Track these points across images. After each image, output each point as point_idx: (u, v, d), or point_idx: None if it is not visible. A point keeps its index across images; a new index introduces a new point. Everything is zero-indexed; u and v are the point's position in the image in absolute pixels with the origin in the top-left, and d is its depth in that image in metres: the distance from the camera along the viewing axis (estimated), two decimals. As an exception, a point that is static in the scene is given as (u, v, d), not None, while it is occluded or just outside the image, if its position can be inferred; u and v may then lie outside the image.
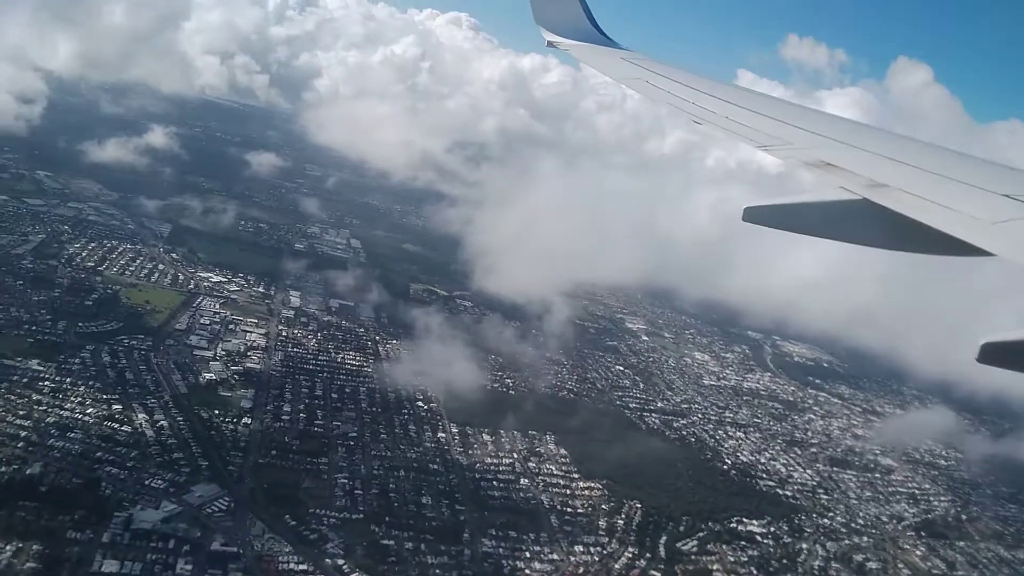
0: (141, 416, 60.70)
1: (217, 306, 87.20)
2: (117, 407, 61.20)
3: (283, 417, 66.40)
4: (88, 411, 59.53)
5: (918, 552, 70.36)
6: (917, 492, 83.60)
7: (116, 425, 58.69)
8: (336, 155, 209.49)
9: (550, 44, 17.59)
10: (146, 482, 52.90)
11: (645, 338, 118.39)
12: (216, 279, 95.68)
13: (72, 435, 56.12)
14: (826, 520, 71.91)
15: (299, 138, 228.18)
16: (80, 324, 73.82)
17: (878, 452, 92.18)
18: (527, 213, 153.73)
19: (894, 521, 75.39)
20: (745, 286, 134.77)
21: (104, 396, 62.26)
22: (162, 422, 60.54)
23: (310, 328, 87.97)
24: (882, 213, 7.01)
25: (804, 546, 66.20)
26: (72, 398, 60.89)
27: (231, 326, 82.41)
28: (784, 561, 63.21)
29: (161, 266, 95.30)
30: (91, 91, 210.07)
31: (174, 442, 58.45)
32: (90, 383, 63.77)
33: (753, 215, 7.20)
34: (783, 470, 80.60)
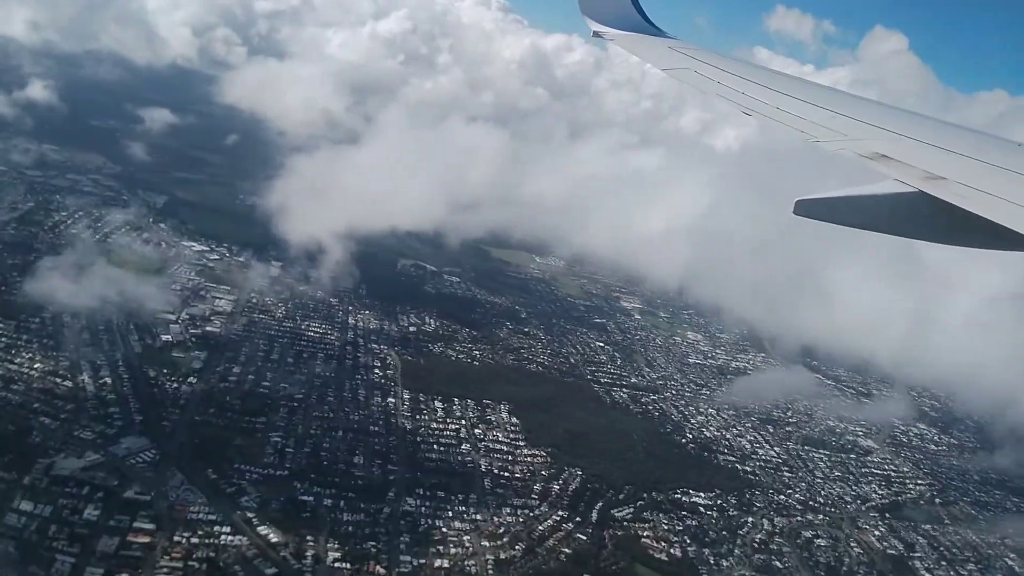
0: (87, 373, 62.13)
1: (192, 273, 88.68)
2: (65, 363, 62.76)
3: (230, 378, 67.25)
4: (36, 366, 61.13)
5: (876, 532, 68.40)
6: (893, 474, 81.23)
7: (59, 380, 60.18)
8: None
9: (596, 34, 17.34)
10: (75, 433, 54.15)
11: (637, 317, 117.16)
12: (199, 248, 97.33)
13: (15, 387, 57.83)
14: (782, 497, 70.31)
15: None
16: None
17: (859, 433, 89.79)
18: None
19: (858, 501, 73.41)
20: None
21: (55, 353, 63.83)
22: (106, 379, 61.85)
23: (282, 297, 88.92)
24: (938, 206, 6.87)
25: (750, 519, 64.84)
26: (24, 354, 62.60)
27: (201, 292, 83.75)
28: (723, 533, 61.98)
29: (146, 235, 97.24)
30: (67, 61, 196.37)
31: (113, 397, 59.66)
32: (44, 341, 65.44)
33: (805, 208, 7.07)
34: (748, 446, 78.97)
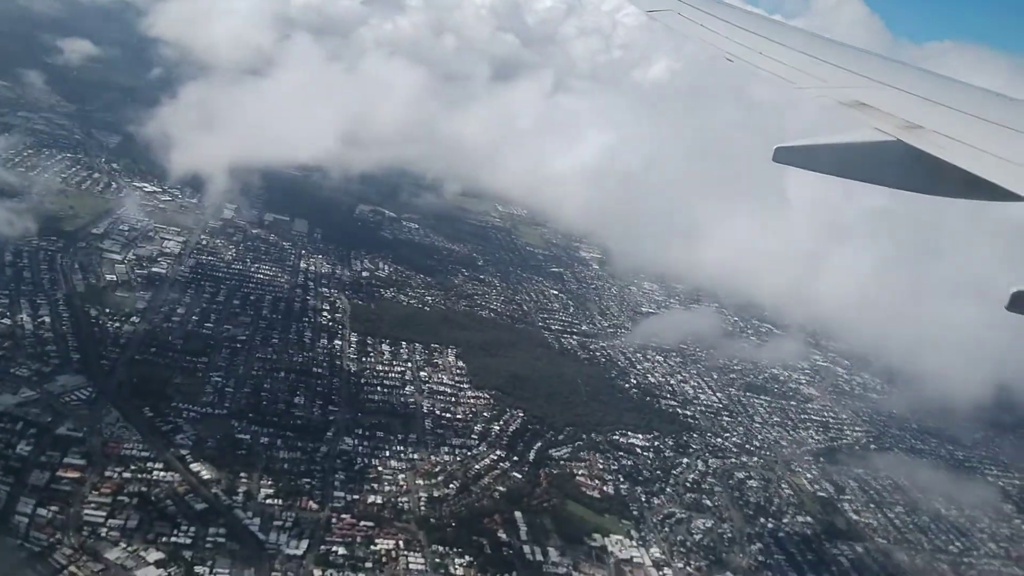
0: (26, 311, 61.71)
1: (142, 214, 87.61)
2: (4, 301, 62.22)
3: (174, 319, 67.15)
4: (-27, 304, 60.70)
5: (808, 475, 70.75)
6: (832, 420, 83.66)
7: (-1, 318, 59.88)
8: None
9: None
10: (11, 370, 54.08)
11: (595, 267, 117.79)
12: (150, 189, 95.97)
13: (-49, 325, 57.49)
14: (719, 440, 72.32)
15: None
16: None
17: (803, 382, 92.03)
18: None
19: (794, 446, 75.71)
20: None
21: (-6, 292, 63.31)
22: (45, 318, 61.45)
23: (234, 239, 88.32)
24: (916, 155, 6.91)
25: (684, 460, 66.75)
26: (-39, 292, 62.08)
27: (150, 233, 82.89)
28: (657, 472, 63.83)
29: (96, 175, 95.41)
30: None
31: (50, 336, 59.42)
32: (-15, 279, 64.87)
33: (784, 155, 7.14)
34: (691, 391, 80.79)
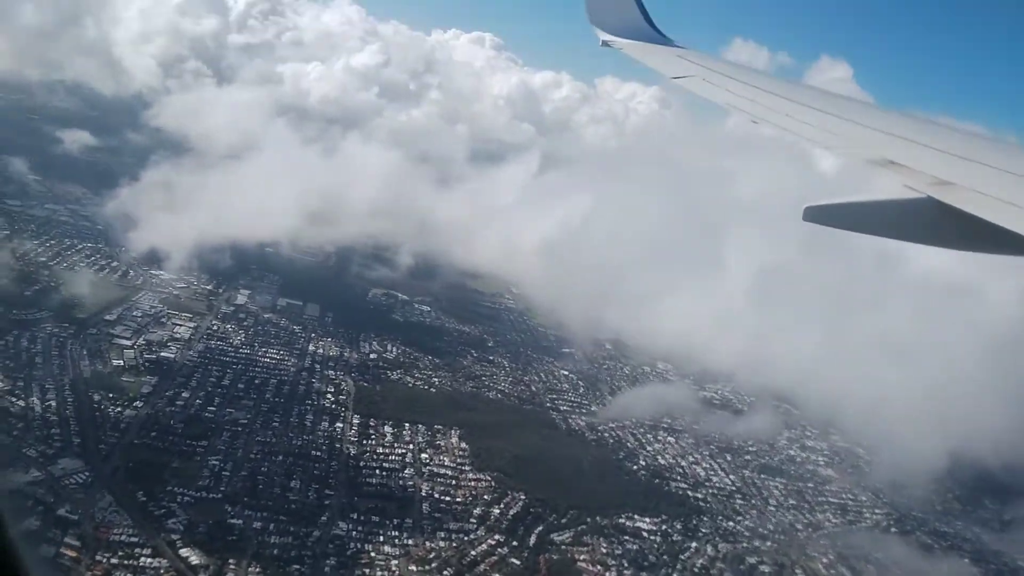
0: (36, 395, 62.86)
1: (156, 301, 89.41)
2: (21, 384, 63.60)
3: (177, 403, 67.53)
4: (-6, 387, 62.08)
5: (824, 560, 67.84)
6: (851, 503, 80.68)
7: (14, 400, 61.24)
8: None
9: (605, 44, 17.38)
10: (23, 450, 55.31)
11: (608, 347, 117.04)
12: (166, 276, 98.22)
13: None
14: (731, 523, 69.90)
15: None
16: (13, 312, 76.54)
17: (821, 463, 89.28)
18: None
19: (809, 529, 72.92)
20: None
21: (9, 376, 64.62)
22: (52, 402, 62.45)
23: (245, 324, 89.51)
24: (949, 212, 6.84)
25: (693, 545, 64.44)
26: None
27: (162, 319, 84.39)
28: (664, 557, 61.60)
29: (115, 263, 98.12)
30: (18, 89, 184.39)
31: (55, 419, 60.25)
32: (6, 363, 66.37)
33: (814, 215, 7.12)
34: (702, 473, 78.67)
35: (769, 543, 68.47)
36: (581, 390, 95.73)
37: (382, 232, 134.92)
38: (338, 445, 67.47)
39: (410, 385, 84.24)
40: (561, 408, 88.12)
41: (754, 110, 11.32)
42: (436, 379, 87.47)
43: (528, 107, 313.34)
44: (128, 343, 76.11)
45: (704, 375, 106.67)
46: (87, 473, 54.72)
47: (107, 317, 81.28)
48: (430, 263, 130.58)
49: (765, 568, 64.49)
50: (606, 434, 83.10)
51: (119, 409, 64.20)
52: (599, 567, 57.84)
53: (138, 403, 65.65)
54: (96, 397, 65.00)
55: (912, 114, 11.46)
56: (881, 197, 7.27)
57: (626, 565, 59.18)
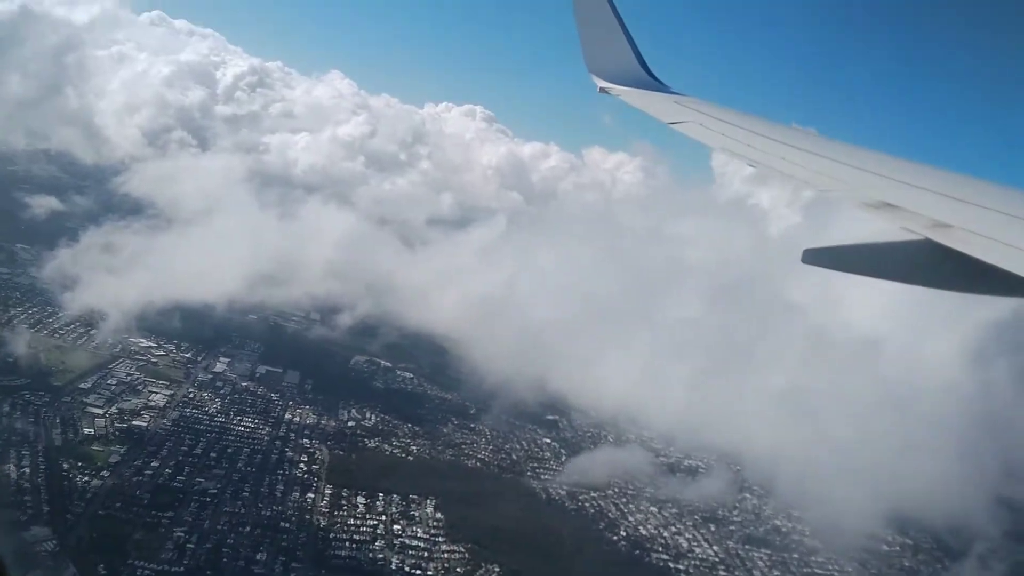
0: (12, 461, 62.67)
1: (133, 368, 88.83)
2: None
3: (146, 472, 66.43)
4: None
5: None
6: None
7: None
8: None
9: (602, 90, 17.53)
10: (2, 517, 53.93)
11: (593, 414, 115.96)
12: (146, 344, 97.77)
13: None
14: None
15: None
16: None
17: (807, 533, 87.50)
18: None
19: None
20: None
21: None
22: (26, 469, 62.13)
23: (221, 392, 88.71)
24: (947, 253, 6.88)
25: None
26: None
27: (138, 387, 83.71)
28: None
29: (94, 331, 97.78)
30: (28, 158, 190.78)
31: (28, 486, 59.77)
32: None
33: (813, 257, 7.23)
34: (685, 544, 77.01)
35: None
36: (563, 458, 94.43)
37: (362, 300, 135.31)
38: (308, 516, 66.10)
39: (387, 453, 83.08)
40: (542, 476, 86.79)
41: (749, 154, 11.44)
42: (414, 447, 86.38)
43: (516, 176, 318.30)
44: (100, 411, 75.33)
45: (652, 436, 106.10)
46: (54, 542, 53.78)
47: (82, 385, 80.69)
48: (409, 330, 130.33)
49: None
50: (587, 503, 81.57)
51: (86, 478, 63.16)
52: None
53: (105, 472, 64.59)
54: (65, 466, 64.05)
55: (906, 159, 11.37)
56: (879, 240, 7.36)
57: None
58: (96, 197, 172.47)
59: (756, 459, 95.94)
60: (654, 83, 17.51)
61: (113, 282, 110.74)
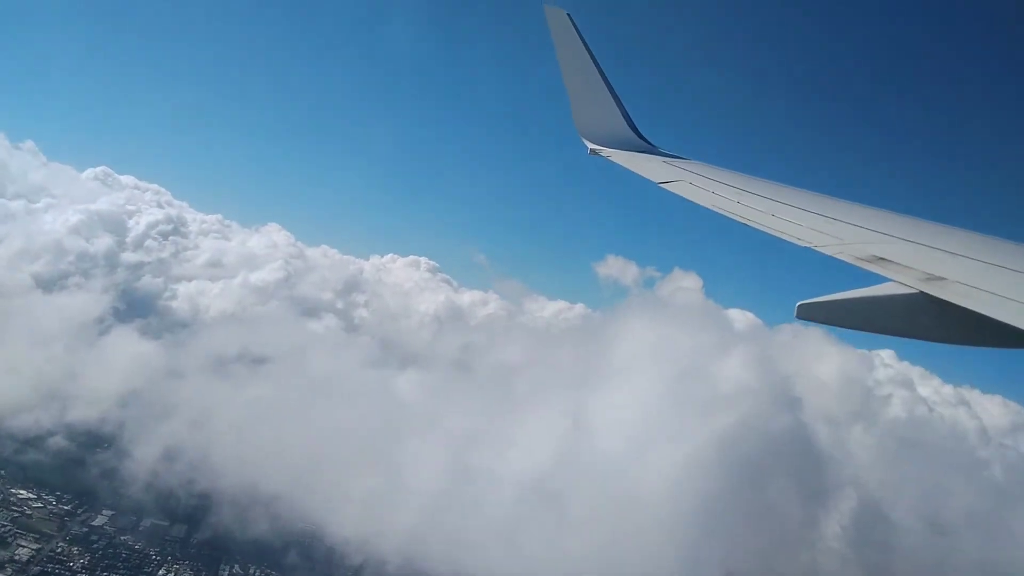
0: None
1: (6, 520, 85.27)
2: None
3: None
4: None
5: None
6: None
7: None
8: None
9: (592, 152, 17.73)
10: None
11: None
12: (24, 495, 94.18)
13: None
14: None
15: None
16: None
17: None
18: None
19: None
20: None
21: None
22: None
23: (94, 547, 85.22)
24: (942, 306, 6.95)
25: None
26: None
27: (7, 539, 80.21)
28: None
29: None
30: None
31: None
32: None
33: (807, 311, 7.27)
34: None
35: None
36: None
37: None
38: None
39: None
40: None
41: (740, 211, 11.48)
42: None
43: (455, 323, 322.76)
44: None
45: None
46: None
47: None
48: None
49: None
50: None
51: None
52: None
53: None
54: None
55: (897, 213, 11.56)
56: (872, 294, 7.46)
57: None
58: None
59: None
60: (644, 144, 17.97)
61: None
